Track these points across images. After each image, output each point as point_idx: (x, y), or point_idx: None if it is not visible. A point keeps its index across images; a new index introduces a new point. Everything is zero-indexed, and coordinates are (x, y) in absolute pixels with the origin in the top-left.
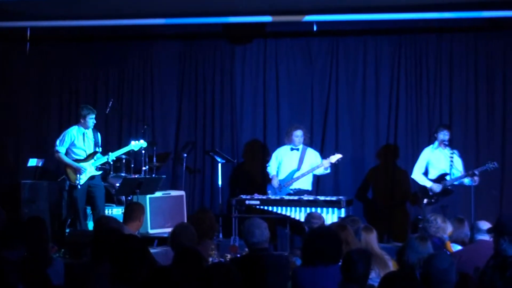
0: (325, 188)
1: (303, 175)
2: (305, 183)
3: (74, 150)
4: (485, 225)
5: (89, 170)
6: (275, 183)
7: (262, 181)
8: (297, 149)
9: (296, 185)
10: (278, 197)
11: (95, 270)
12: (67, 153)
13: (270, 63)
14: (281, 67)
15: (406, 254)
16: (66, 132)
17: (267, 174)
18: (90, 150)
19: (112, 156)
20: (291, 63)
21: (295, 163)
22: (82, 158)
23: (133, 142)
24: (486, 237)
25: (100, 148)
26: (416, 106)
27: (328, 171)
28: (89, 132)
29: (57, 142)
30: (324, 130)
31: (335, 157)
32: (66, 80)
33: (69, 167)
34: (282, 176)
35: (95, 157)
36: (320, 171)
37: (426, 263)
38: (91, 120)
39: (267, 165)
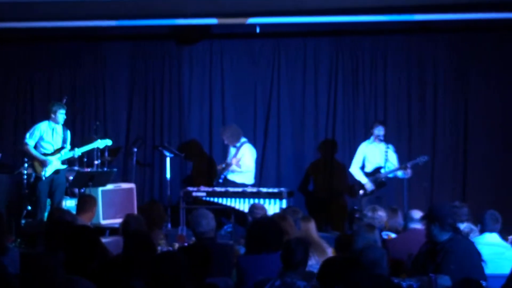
0: (268, 180)
1: (227, 171)
2: (244, 177)
3: (43, 144)
4: (417, 214)
5: (55, 163)
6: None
7: (208, 174)
8: (235, 147)
9: (232, 177)
10: (223, 189)
11: (50, 259)
12: (36, 147)
13: (216, 63)
14: (226, 67)
15: (355, 239)
16: (36, 126)
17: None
18: (58, 145)
19: (78, 151)
20: (235, 64)
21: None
22: (50, 152)
23: (99, 140)
24: (418, 226)
25: (68, 145)
26: (353, 103)
27: (242, 168)
28: (59, 128)
29: (27, 135)
30: (267, 126)
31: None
32: (21, 79)
33: (36, 159)
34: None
35: (61, 152)
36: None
37: (359, 253)
38: (61, 115)
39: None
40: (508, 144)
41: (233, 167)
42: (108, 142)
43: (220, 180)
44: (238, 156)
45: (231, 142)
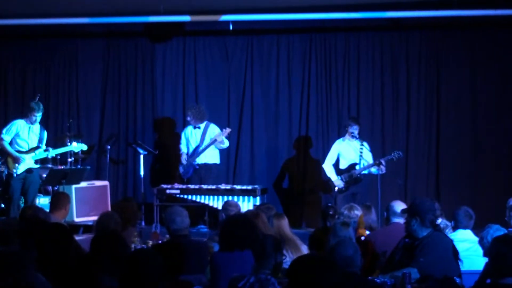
0: (242, 177)
1: (205, 148)
2: (212, 157)
3: (18, 141)
4: (400, 206)
5: (28, 161)
6: (183, 159)
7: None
8: (199, 127)
9: (203, 160)
10: (197, 187)
11: (23, 257)
12: (11, 143)
13: (189, 61)
14: (199, 64)
15: (329, 237)
16: (13, 122)
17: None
18: (33, 144)
19: (52, 152)
20: (208, 61)
21: (198, 139)
22: (24, 150)
23: (74, 144)
24: (401, 220)
25: (44, 146)
26: (326, 100)
27: (224, 145)
28: (36, 128)
29: (3, 131)
30: (240, 123)
31: (226, 131)
32: None
33: (10, 155)
34: (189, 153)
35: (36, 152)
36: (219, 146)
37: (332, 250)
38: (34, 117)
39: (179, 145)
40: (479, 141)
41: (221, 143)
42: (84, 147)
43: (197, 167)
44: (208, 135)
45: (196, 121)
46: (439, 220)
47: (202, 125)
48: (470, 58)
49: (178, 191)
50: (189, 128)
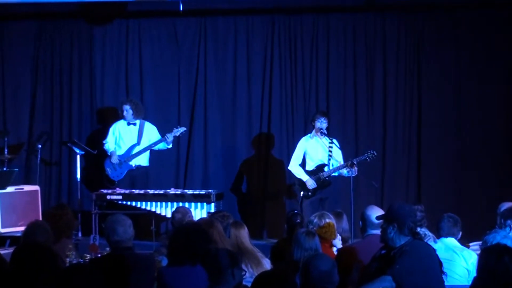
0: (194, 180)
1: (144, 150)
2: (143, 159)
3: None
4: (378, 213)
5: None
6: (114, 159)
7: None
8: (134, 124)
9: (136, 161)
10: (142, 192)
11: None
12: None
13: (133, 46)
14: (145, 51)
15: (292, 249)
16: None
17: (104, 151)
18: None
19: None
20: (155, 46)
21: (134, 138)
22: None
23: None
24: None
25: None
26: (291, 91)
27: (170, 146)
28: None
29: None
30: (192, 117)
31: (178, 131)
32: None
33: None
34: (121, 151)
35: None
36: (161, 146)
37: (306, 264)
38: None
39: (103, 141)
40: (465, 137)
41: (162, 144)
42: None
43: (133, 167)
44: (145, 134)
45: (136, 116)
46: (420, 229)
47: (137, 122)
48: (454, 42)
49: (120, 197)
50: (122, 123)
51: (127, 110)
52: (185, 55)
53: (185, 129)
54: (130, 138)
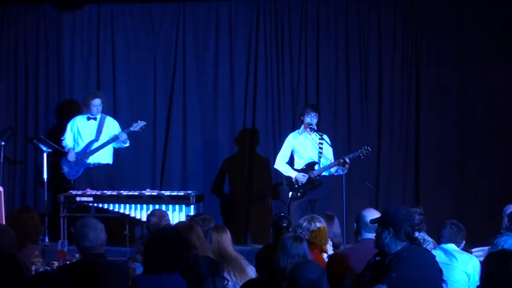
0: (171, 180)
1: (101, 147)
2: (104, 156)
3: None
4: (373, 216)
5: None
6: (71, 156)
7: None
8: (95, 119)
9: (95, 159)
10: (115, 193)
11: None
12: None
13: (105, 33)
14: (118, 38)
15: (278, 256)
16: None
17: (62, 147)
18: None
19: None
20: (129, 33)
21: (93, 134)
22: None
23: None
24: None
25: None
26: (278, 83)
27: (127, 144)
28: None
29: None
30: (170, 110)
31: (137, 125)
32: None
33: None
34: (79, 148)
35: None
36: (118, 144)
37: (293, 272)
38: None
39: (62, 138)
40: (466, 132)
41: (123, 143)
42: None
43: (91, 165)
44: (106, 129)
45: (100, 110)
46: (416, 234)
47: (98, 117)
48: (456, 28)
49: (91, 199)
50: (80, 118)
51: (99, 104)
52: (162, 43)
53: (145, 123)
54: (89, 134)
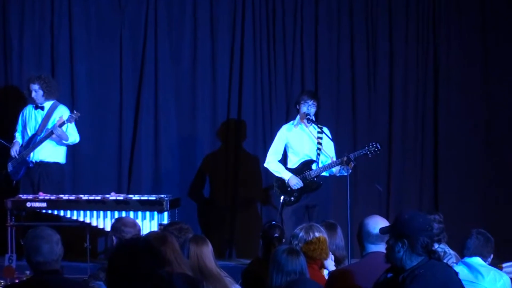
0: (141, 182)
1: (40, 141)
2: (52, 153)
3: None
4: (380, 225)
5: None
6: (13, 151)
7: None
8: (42, 108)
9: (38, 155)
10: (73, 197)
11: None
12: None
13: (60, 7)
14: (77, 16)
15: (270, 274)
16: None
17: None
18: None
19: None
20: (91, 8)
21: (38, 125)
22: None
23: None
24: (383, 248)
25: None
26: (269, 67)
27: (69, 141)
28: None
29: None
30: (139, 99)
31: (72, 116)
32: None
33: None
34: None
35: None
36: (57, 140)
37: None
38: None
39: (15, 131)
40: (493, 126)
41: (62, 138)
42: None
43: (31, 165)
44: (55, 116)
45: (45, 97)
46: (436, 246)
47: (47, 105)
48: (479, 8)
49: (44, 204)
50: (29, 107)
51: (36, 90)
52: (129, 20)
53: (79, 114)
54: (33, 126)
